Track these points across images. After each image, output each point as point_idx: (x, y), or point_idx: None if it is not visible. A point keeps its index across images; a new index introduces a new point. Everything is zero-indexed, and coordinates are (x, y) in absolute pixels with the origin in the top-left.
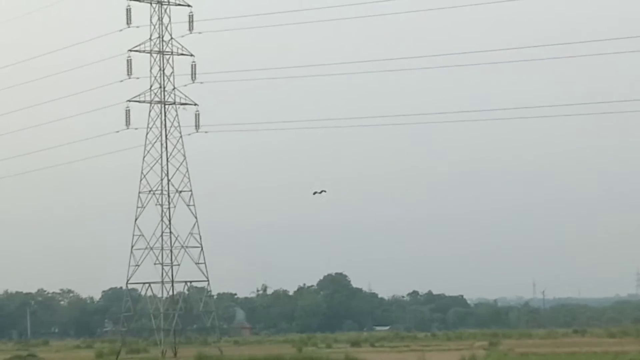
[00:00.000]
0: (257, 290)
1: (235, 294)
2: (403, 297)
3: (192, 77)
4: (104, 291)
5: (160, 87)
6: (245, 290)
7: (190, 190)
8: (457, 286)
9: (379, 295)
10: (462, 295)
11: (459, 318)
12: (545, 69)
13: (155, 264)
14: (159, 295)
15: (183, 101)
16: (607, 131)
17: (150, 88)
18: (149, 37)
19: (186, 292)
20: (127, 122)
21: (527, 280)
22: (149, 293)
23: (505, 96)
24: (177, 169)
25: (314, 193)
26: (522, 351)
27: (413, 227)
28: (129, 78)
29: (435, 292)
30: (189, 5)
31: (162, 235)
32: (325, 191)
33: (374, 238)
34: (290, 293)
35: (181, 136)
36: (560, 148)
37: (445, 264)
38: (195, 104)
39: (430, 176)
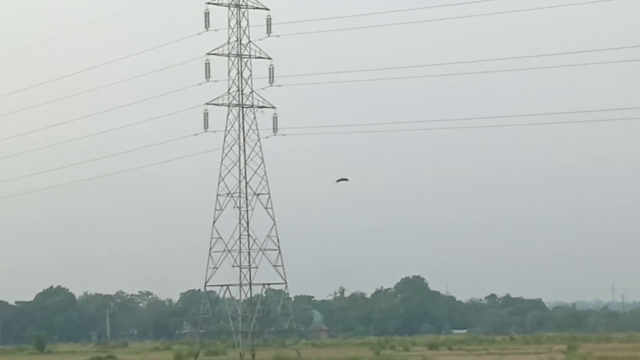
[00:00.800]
0: (335, 293)
1: (313, 297)
2: (481, 300)
3: (269, 80)
4: (182, 293)
5: (238, 90)
6: (322, 292)
7: (268, 193)
8: (536, 289)
9: (457, 299)
10: (540, 299)
11: (537, 321)
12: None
13: (233, 266)
14: (237, 298)
15: (261, 104)
16: None
17: (228, 91)
18: (227, 40)
19: (264, 294)
20: (206, 125)
21: (606, 284)
22: (227, 295)
23: (595, 97)
24: (255, 171)
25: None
26: (601, 355)
27: (491, 229)
28: (208, 81)
29: (513, 296)
30: (266, 9)
31: (240, 238)
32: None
33: (451, 240)
34: (368, 296)
35: (259, 139)
36: None
37: (524, 267)
38: (273, 107)
39: (507, 178)
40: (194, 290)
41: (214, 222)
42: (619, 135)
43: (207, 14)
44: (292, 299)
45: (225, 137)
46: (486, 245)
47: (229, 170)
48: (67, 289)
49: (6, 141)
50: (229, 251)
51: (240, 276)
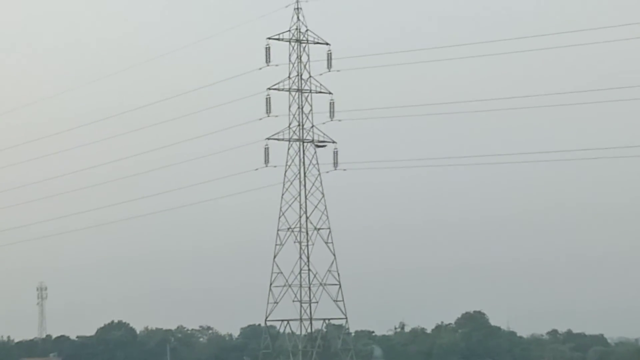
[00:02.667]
0: (395, 328)
1: (373, 332)
2: (542, 335)
3: (330, 115)
4: (242, 328)
5: (299, 125)
6: (383, 327)
7: (329, 228)
8: (597, 325)
9: (518, 334)
10: (602, 334)
11: (599, 357)
12: None
13: (293, 301)
14: (298, 333)
15: (321, 139)
16: None
17: (289, 126)
18: (288, 75)
19: (324, 329)
20: (266, 160)
21: None
22: (288, 330)
23: None
24: (316, 206)
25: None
26: None
27: (551, 265)
28: (268, 116)
29: (575, 331)
30: (327, 44)
31: (300, 273)
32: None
33: (512, 276)
34: (428, 331)
35: (319, 174)
36: None
37: (585, 302)
38: (334, 142)
39: (570, 216)
40: (254, 325)
41: (275, 256)
42: None
43: (268, 49)
44: (353, 334)
45: (285, 171)
46: (547, 280)
47: (290, 205)
48: (128, 324)
49: (70, 176)
50: (290, 286)
51: (300, 311)
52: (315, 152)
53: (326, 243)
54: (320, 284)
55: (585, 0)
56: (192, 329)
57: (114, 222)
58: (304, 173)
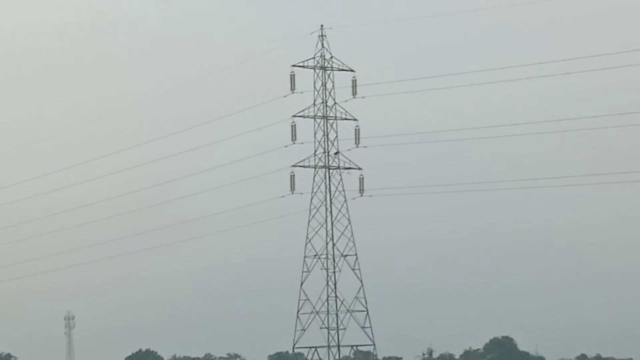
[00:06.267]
0: (423, 355)
1: (402, 358)
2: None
3: (355, 141)
4: (270, 356)
5: (325, 151)
6: (411, 354)
7: (355, 254)
8: (627, 349)
9: (547, 359)
10: (631, 358)
11: None
12: None
13: (321, 328)
14: None
15: (347, 165)
16: None
17: (314, 152)
18: (313, 102)
19: (352, 356)
20: (292, 187)
21: None
22: (316, 357)
23: None
24: (342, 233)
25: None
26: None
27: (581, 287)
28: (294, 143)
29: (604, 355)
30: (352, 70)
31: (327, 300)
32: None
33: (541, 299)
34: (457, 357)
35: (345, 200)
36: None
37: (615, 325)
38: (359, 168)
39: (594, 234)
40: (282, 352)
41: (302, 283)
42: None
43: (292, 77)
44: None
45: (312, 198)
46: (576, 303)
47: (316, 232)
48: (156, 352)
49: (95, 205)
50: (317, 313)
51: (328, 338)
52: (341, 179)
53: (353, 269)
54: (348, 310)
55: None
56: (220, 357)
57: (142, 250)
58: (330, 200)
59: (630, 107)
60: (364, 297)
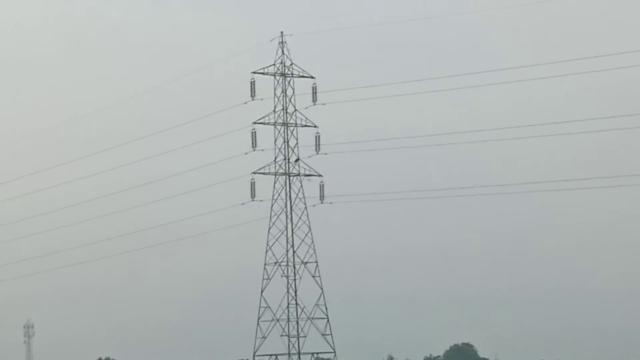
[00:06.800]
0: None
1: None
2: None
3: (316, 148)
4: None
5: (285, 158)
6: None
7: (316, 261)
8: (585, 355)
9: None
10: None
11: None
12: None
13: (281, 335)
14: None
15: (307, 172)
16: None
17: (275, 159)
18: (273, 109)
19: None
20: (253, 194)
21: None
22: None
23: None
24: (303, 240)
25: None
26: None
27: (539, 294)
28: (254, 150)
29: None
30: (312, 77)
31: (288, 307)
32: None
33: (500, 306)
34: None
35: (306, 207)
36: None
37: (574, 331)
38: (320, 175)
39: (558, 242)
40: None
41: (262, 291)
42: None
43: (252, 83)
44: None
45: (272, 205)
46: (536, 310)
47: (277, 239)
48: None
49: (55, 213)
50: (277, 320)
51: (289, 345)
52: (301, 186)
53: (313, 277)
54: (308, 317)
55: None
56: None
57: (101, 258)
58: (291, 207)
59: (595, 113)
60: (325, 304)
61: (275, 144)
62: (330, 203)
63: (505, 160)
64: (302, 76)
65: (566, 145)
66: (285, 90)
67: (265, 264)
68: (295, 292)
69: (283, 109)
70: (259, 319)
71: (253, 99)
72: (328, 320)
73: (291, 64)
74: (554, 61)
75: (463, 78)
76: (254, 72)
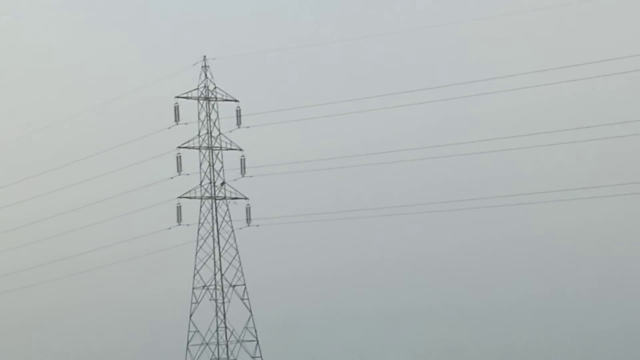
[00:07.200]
0: None
1: None
2: None
3: (241, 171)
4: None
5: (211, 182)
6: None
7: (244, 284)
8: None
9: None
10: None
11: None
12: None
13: (211, 359)
14: None
15: (233, 195)
16: None
17: (200, 183)
18: (197, 133)
19: None
20: (179, 219)
21: None
22: None
23: None
24: (230, 263)
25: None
26: None
27: (476, 311)
28: (179, 174)
29: None
30: (236, 100)
31: (217, 330)
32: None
33: (434, 323)
34: None
35: (233, 230)
36: None
37: (508, 346)
38: (246, 198)
39: (489, 259)
40: None
41: (191, 315)
42: None
43: (176, 108)
44: None
45: (199, 229)
46: (475, 326)
47: (204, 263)
48: None
49: None
50: (207, 344)
51: None
52: (227, 209)
53: (242, 299)
54: (238, 340)
55: None
56: None
57: (27, 286)
58: (217, 230)
59: (514, 130)
60: (254, 327)
61: (200, 167)
62: (257, 225)
63: (430, 179)
64: (226, 100)
65: (483, 162)
66: (210, 114)
67: (193, 288)
68: (224, 315)
69: (207, 132)
70: (188, 343)
71: (177, 124)
72: (258, 343)
73: (215, 88)
74: (478, 79)
75: (388, 98)
76: (178, 97)
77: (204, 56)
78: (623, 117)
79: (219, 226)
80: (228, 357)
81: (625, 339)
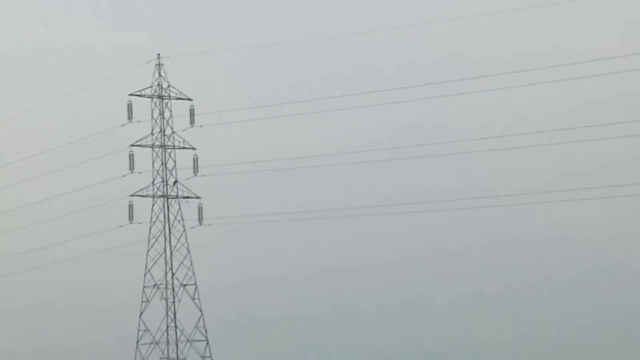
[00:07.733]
0: None
1: None
2: None
3: (194, 170)
4: None
5: (163, 180)
6: None
7: (195, 284)
8: None
9: None
10: None
11: None
12: None
13: (161, 358)
14: None
15: (186, 194)
16: None
17: (153, 182)
18: (150, 131)
19: None
20: (131, 217)
21: None
22: None
23: None
24: (182, 262)
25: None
26: None
27: (441, 312)
28: (132, 173)
29: None
30: (189, 99)
31: (167, 330)
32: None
33: (392, 325)
34: None
35: (184, 229)
36: None
37: (483, 346)
38: (198, 197)
39: (447, 259)
40: None
41: (141, 314)
42: None
43: (130, 105)
44: None
45: (150, 228)
46: (446, 326)
47: (155, 262)
48: None
49: None
50: (157, 343)
51: None
52: (179, 208)
53: (192, 299)
54: (188, 340)
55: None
56: None
57: None
58: (169, 229)
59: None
60: (204, 327)
61: (153, 166)
62: (209, 225)
63: (389, 180)
64: (180, 98)
65: (442, 166)
66: (163, 113)
67: (144, 287)
68: (175, 314)
69: (161, 131)
70: (138, 341)
71: (130, 121)
72: (208, 343)
73: (168, 86)
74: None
75: (343, 99)
76: (131, 94)
77: (158, 54)
78: (622, 118)
79: (170, 225)
80: (178, 357)
81: (626, 338)
